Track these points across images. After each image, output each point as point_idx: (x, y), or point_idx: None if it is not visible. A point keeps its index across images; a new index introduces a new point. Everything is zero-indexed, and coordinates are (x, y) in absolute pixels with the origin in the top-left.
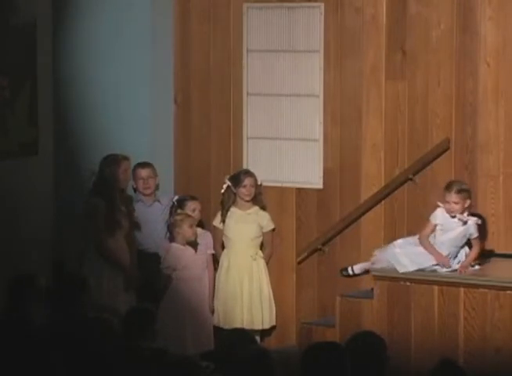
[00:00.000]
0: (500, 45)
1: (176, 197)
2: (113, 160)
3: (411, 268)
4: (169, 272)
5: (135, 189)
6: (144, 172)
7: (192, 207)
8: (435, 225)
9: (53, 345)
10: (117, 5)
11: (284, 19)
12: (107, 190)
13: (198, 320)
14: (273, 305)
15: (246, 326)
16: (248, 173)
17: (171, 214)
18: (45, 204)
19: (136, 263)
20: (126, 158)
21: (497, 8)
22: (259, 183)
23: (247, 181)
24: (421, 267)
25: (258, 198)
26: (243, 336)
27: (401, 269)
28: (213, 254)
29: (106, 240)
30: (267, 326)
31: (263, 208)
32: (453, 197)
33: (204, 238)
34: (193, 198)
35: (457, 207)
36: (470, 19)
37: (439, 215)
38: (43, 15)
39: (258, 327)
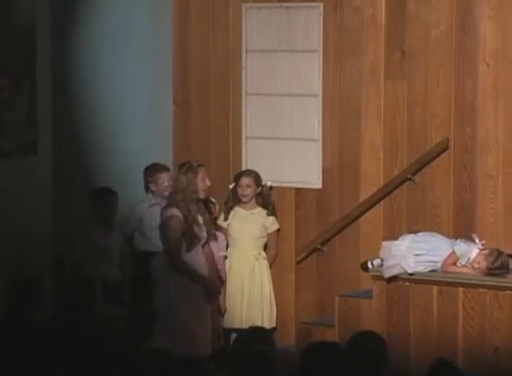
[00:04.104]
0: (499, 44)
1: None
2: (189, 168)
3: (419, 268)
4: (156, 274)
5: (152, 191)
6: (169, 176)
7: None
8: (458, 258)
9: (55, 347)
10: (117, 6)
11: (283, 19)
12: (184, 201)
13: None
14: (274, 306)
15: (245, 325)
16: (246, 173)
17: None
18: (44, 204)
19: (216, 275)
20: (201, 165)
21: (496, 8)
22: (269, 185)
23: (242, 181)
24: (430, 268)
25: (267, 200)
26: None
27: (409, 270)
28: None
29: (183, 253)
30: (267, 326)
31: (272, 211)
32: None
33: (217, 239)
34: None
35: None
36: (469, 19)
37: (465, 253)
38: (43, 15)
39: (246, 326)
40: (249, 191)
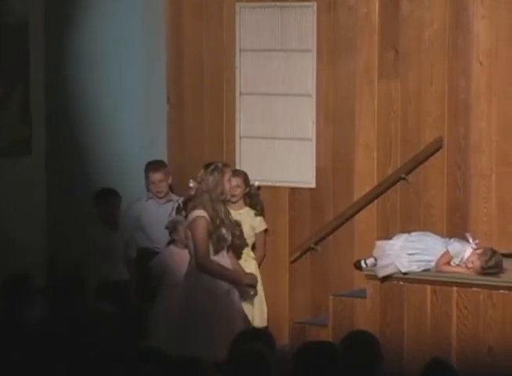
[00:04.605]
0: (493, 43)
1: (182, 198)
2: (215, 169)
3: (413, 268)
4: (156, 274)
5: (147, 188)
6: (155, 177)
7: None
8: (452, 257)
9: (49, 346)
10: (110, 5)
11: (277, 19)
12: (211, 202)
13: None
14: (265, 306)
15: None
16: (235, 173)
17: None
18: (38, 203)
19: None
20: (227, 165)
21: (490, 6)
22: (256, 185)
23: (232, 181)
24: (423, 267)
25: (255, 200)
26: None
27: (402, 269)
28: None
29: (211, 256)
30: (258, 326)
31: (260, 211)
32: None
33: None
34: None
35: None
36: (462, 17)
37: (459, 253)
38: (36, 14)
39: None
40: (238, 191)
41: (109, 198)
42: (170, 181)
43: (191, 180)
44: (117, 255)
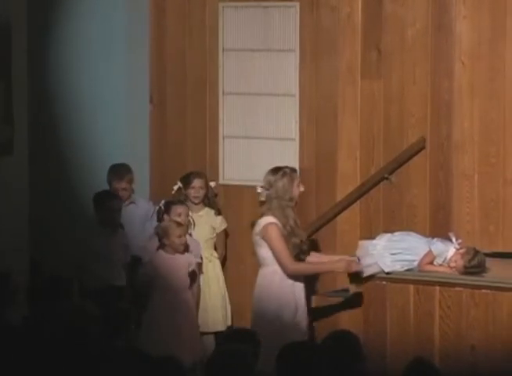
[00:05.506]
0: (475, 43)
1: (163, 202)
2: (284, 174)
3: (396, 267)
4: (145, 280)
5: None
6: (119, 186)
7: (178, 212)
8: (435, 257)
9: (30, 346)
10: (92, 5)
11: (260, 19)
12: (281, 208)
13: (185, 330)
14: (228, 306)
15: (212, 328)
16: (198, 174)
17: (158, 220)
18: (20, 204)
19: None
20: (295, 170)
21: (472, 7)
22: (213, 185)
23: (196, 182)
24: (406, 266)
25: (212, 200)
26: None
27: (386, 269)
28: None
29: (292, 262)
30: (222, 328)
31: (218, 212)
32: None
33: (191, 245)
34: (180, 202)
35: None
36: (445, 18)
37: (442, 252)
38: (18, 14)
39: (213, 329)
40: (201, 193)
41: (108, 201)
42: (133, 185)
43: (258, 187)
44: (117, 259)
